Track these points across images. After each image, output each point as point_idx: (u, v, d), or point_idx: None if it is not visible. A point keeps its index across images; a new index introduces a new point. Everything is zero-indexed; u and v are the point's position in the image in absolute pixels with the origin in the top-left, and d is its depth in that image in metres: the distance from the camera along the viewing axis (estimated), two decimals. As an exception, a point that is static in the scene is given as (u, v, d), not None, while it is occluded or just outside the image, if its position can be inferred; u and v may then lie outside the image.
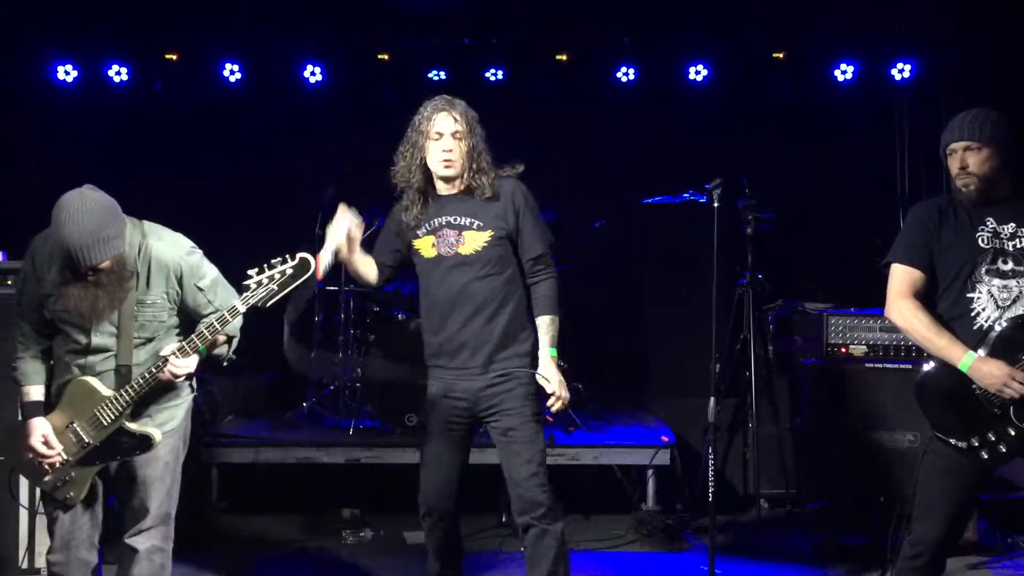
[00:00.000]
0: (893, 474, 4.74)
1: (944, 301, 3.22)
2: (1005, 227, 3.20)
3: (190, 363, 3.12)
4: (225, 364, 3.40)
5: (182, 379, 3.17)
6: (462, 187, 3.46)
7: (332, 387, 5.97)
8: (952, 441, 3.11)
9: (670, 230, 6.11)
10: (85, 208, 2.95)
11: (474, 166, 3.42)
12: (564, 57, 6.84)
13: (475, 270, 3.41)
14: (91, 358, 3.15)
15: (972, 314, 3.16)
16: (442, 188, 3.48)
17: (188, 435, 3.38)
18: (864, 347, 4.92)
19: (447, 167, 3.40)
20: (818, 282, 6.61)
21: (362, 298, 6.02)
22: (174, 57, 6.89)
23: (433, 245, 3.45)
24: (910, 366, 4.81)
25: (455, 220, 3.43)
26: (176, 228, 3.34)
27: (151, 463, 3.22)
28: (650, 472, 5.23)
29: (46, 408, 3.18)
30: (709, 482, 4.08)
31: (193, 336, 3.09)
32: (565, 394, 3.40)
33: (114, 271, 3.05)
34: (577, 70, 6.87)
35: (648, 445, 5.23)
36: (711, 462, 4.14)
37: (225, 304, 3.15)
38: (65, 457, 3.13)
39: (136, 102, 6.95)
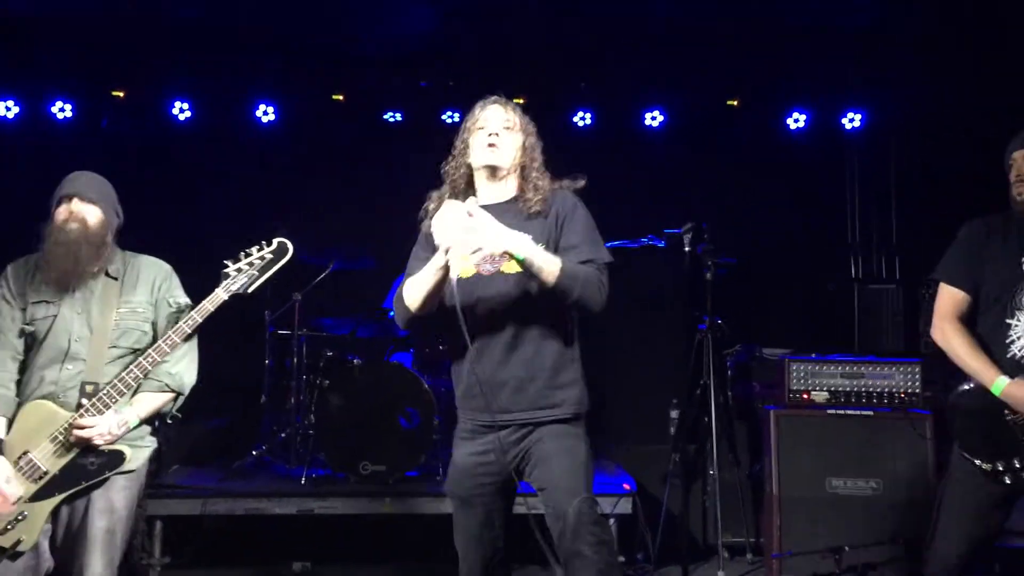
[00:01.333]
0: (856, 522, 4.69)
1: (983, 323, 3.25)
2: None
3: (101, 423, 2.94)
4: (169, 421, 3.27)
5: (101, 444, 2.96)
6: (509, 195, 3.04)
7: (283, 434, 5.79)
8: (977, 462, 3.14)
9: (628, 275, 6.07)
10: (91, 173, 3.20)
11: (525, 166, 3.03)
12: (522, 100, 6.73)
13: (519, 291, 2.95)
14: (64, 372, 2.99)
15: (1007, 341, 3.17)
16: (486, 193, 3.04)
17: (143, 489, 3.15)
18: (826, 393, 4.90)
19: (491, 151, 2.98)
20: (773, 327, 6.66)
21: (315, 342, 5.87)
22: (121, 94, 6.72)
23: (471, 264, 2.98)
24: (871, 412, 4.81)
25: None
26: None
27: (106, 514, 2.98)
28: (611, 521, 5.13)
29: None
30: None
31: (124, 375, 2.98)
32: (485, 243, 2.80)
33: (98, 235, 3.08)
34: (534, 113, 6.82)
35: (610, 493, 5.13)
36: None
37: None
38: (16, 494, 2.88)
39: (81, 140, 6.76)
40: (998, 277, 3.18)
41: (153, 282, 3.20)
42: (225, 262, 3.12)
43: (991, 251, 3.21)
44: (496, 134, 3.02)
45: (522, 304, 2.95)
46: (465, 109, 6.85)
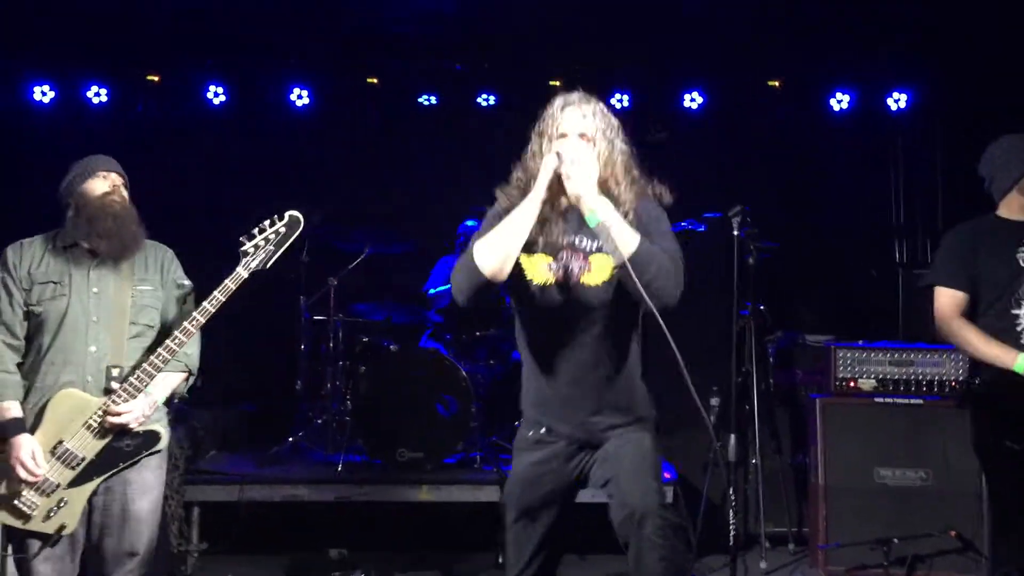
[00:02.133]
0: (904, 513, 4.58)
1: (987, 316, 3.42)
2: None
3: (136, 407, 2.96)
4: (177, 400, 3.29)
5: (136, 427, 2.99)
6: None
7: (319, 420, 5.75)
8: (1007, 443, 3.26)
9: (667, 260, 5.97)
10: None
11: (609, 177, 2.76)
12: (558, 83, 6.69)
13: (597, 305, 2.77)
14: (88, 356, 2.99)
15: (1018, 329, 3.36)
16: (567, 201, 2.78)
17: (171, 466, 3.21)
18: (873, 381, 4.78)
19: (565, 178, 2.69)
20: (816, 313, 6.53)
21: (351, 328, 5.83)
22: (156, 78, 6.70)
23: (550, 268, 2.80)
24: (921, 401, 4.69)
25: (581, 242, 2.80)
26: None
27: (145, 494, 3.04)
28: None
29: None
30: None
31: (154, 359, 2.98)
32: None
33: (134, 213, 3.11)
34: (566, 92, 6.73)
35: (650, 482, 5.03)
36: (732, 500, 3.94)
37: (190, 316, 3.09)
38: (55, 481, 2.92)
39: (116, 124, 6.74)
40: (996, 275, 3.39)
41: (162, 264, 3.22)
42: (241, 239, 3.10)
43: (984, 252, 3.41)
44: (560, 152, 2.72)
45: (601, 317, 2.80)
46: (500, 92, 6.93)
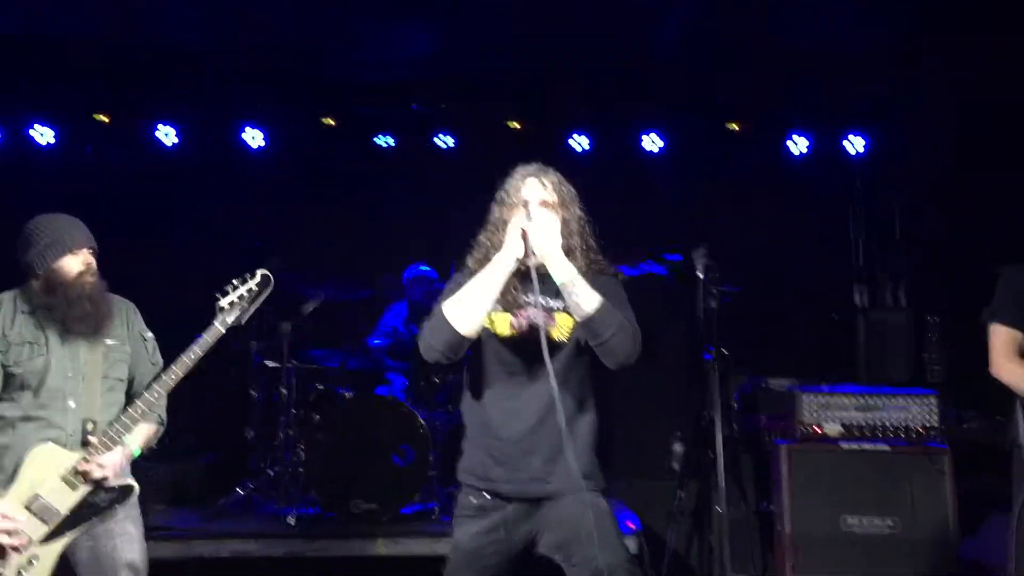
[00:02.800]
0: (872, 562, 4.49)
1: None
2: None
3: (113, 459, 3.01)
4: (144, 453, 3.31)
5: (112, 480, 3.01)
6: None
7: (271, 471, 5.55)
8: None
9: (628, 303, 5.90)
10: (68, 216, 3.21)
11: (567, 245, 2.82)
12: (517, 124, 6.68)
13: (560, 358, 2.83)
14: (68, 413, 3.04)
15: None
16: (531, 262, 2.82)
17: None
18: (839, 426, 4.71)
19: (523, 245, 2.76)
20: (778, 357, 6.47)
21: (304, 374, 5.66)
22: (105, 119, 6.55)
23: (512, 324, 2.87)
24: (887, 447, 4.62)
25: (545, 301, 2.84)
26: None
27: (134, 544, 3.07)
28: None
29: None
30: None
31: (131, 411, 3.04)
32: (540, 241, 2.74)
33: (96, 275, 3.16)
34: (530, 137, 6.72)
35: (614, 533, 4.90)
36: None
37: (161, 363, 3.24)
38: (27, 536, 2.91)
39: (63, 165, 6.58)
40: None
41: (126, 318, 3.28)
42: (216, 295, 3.18)
43: None
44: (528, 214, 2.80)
45: (563, 371, 2.81)
46: (458, 133, 6.86)
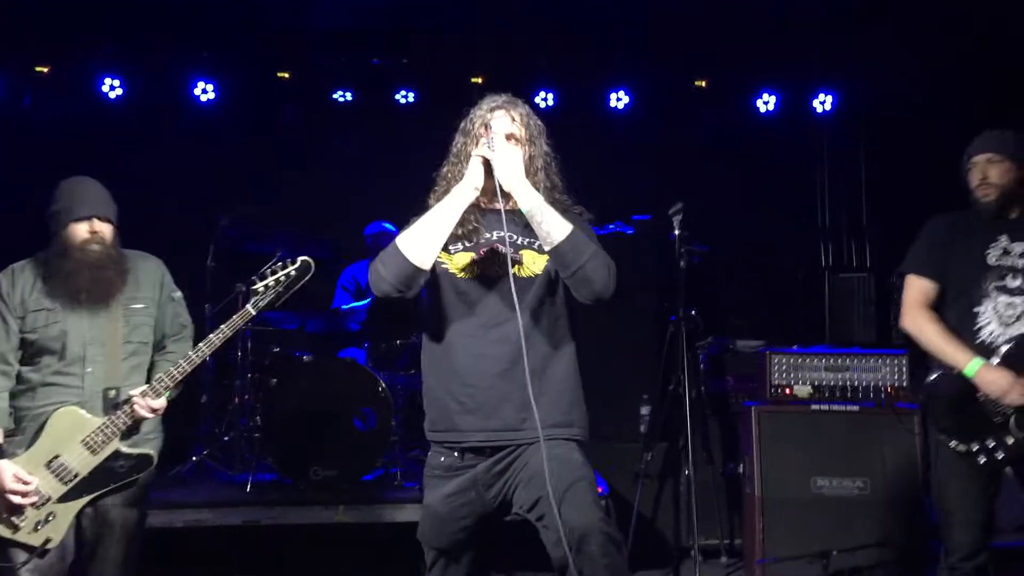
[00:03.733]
0: (843, 524, 4.45)
1: (952, 312, 3.38)
2: (1016, 245, 3.33)
3: (159, 404, 3.10)
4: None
5: (152, 417, 3.13)
6: (516, 206, 2.68)
7: (226, 437, 5.39)
8: (952, 444, 3.28)
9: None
10: (92, 180, 3.25)
11: (532, 181, 2.68)
12: (480, 80, 6.48)
13: (529, 297, 2.69)
14: (86, 379, 3.11)
15: (976, 328, 3.33)
16: (488, 203, 2.77)
17: None
18: (809, 387, 4.65)
19: (488, 174, 2.67)
20: (743, 318, 6.42)
21: (261, 337, 5.47)
22: (44, 70, 6.27)
23: (474, 262, 2.73)
24: (857, 408, 4.57)
25: (511, 237, 2.69)
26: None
27: (132, 506, 3.16)
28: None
29: (19, 447, 3.09)
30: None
31: (172, 369, 3.09)
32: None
33: (117, 252, 3.18)
34: (493, 93, 6.52)
35: (581, 497, 4.81)
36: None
37: (189, 323, 3.37)
38: (46, 495, 3.03)
39: (1, 119, 6.27)
40: (964, 269, 3.36)
41: (156, 280, 3.32)
42: (252, 278, 3.21)
43: (957, 245, 3.39)
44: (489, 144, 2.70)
45: (531, 310, 2.70)
46: (419, 88, 6.63)
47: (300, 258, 3.22)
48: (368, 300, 5.83)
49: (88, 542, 3.15)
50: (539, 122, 2.83)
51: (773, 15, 6.11)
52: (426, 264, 2.64)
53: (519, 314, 2.58)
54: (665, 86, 6.68)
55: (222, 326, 3.14)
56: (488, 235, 2.75)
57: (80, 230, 3.14)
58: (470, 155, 2.71)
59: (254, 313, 3.18)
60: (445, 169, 2.82)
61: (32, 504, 3.01)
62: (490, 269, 2.72)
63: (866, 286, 6.29)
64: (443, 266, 2.76)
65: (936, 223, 3.48)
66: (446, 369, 2.75)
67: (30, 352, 3.14)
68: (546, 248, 2.63)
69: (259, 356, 5.43)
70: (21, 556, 3.04)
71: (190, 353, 3.12)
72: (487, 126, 2.73)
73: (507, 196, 2.66)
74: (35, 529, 3.03)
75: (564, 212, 2.71)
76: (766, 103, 6.72)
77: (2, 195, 6.04)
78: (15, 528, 3.01)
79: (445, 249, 2.72)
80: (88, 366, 3.13)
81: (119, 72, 6.33)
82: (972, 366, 3.22)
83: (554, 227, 2.60)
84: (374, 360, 5.45)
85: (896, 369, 4.62)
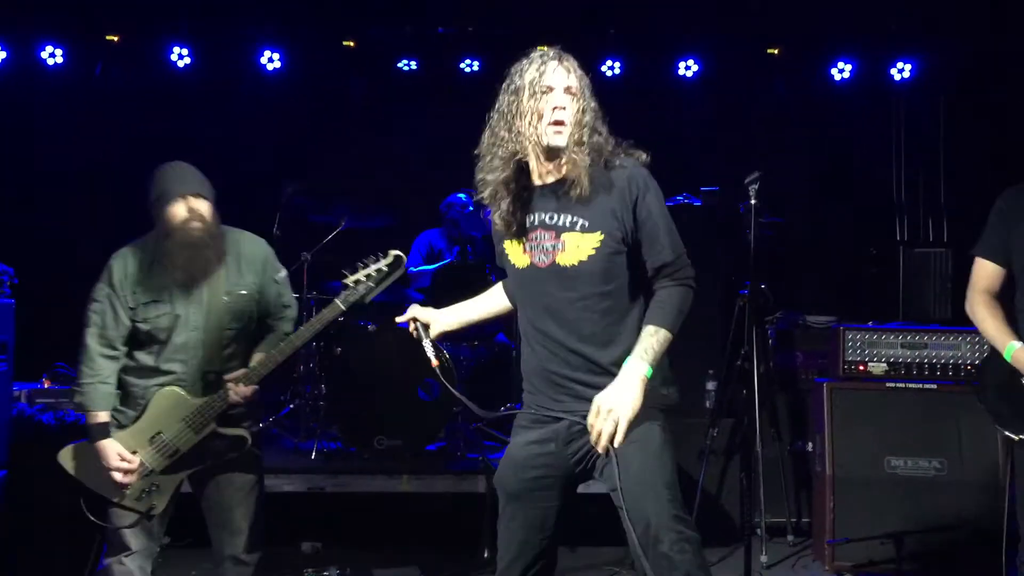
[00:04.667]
0: (917, 506, 4.33)
1: (1018, 294, 3.23)
2: None
3: (251, 390, 3.22)
4: None
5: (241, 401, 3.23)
6: (561, 175, 2.60)
7: (292, 405, 5.43)
8: (1007, 432, 3.16)
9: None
10: (185, 163, 3.30)
11: (583, 139, 2.55)
12: (545, 49, 6.36)
13: (578, 287, 2.59)
14: (190, 364, 3.22)
15: None
16: (538, 173, 2.64)
17: None
18: (884, 365, 4.51)
19: (557, 129, 2.53)
20: (812, 292, 6.27)
21: (326, 306, 5.48)
22: (115, 39, 6.36)
23: (525, 251, 2.66)
24: (935, 386, 4.43)
25: (552, 218, 2.62)
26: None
27: (250, 470, 3.33)
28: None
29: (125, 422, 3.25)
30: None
31: (264, 358, 3.21)
32: (609, 427, 2.47)
33: (216, 230, 3.23)
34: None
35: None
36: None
37: (292, 302, 3.44)
38: (149, 467, 3.22)
39: (72, 88, 6.41)
40: None
41: (260, 262, 3.35)
42: (343, 272, 3.24)
43: (1021, 221, 3.21)
44: (563, 107, 2.57)
45: (585, 300, 2.61)
46: (484, 57, 6.57)
47: (392, 252, 3.23)
48: (439, 264, 5.83)
49: (214, 506, 3.34)
50: (585, 76, 2.70)
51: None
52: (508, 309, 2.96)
53: (571, 298, 2.58)
54: (736, 54, 6.52)
55: (313, 320, 3.26)
56: (535, 217, 2.65)
57: (179, 210, 3.19)
58: (521, 113, 2.56)
59: (343, 308, 3.25)
60: (492, 132, 2.64)
61: (135, 477, 3.19)
62: (536, 258, 2.64)
63: (943, 262, 6.06)
64: (506, 253, 2.74)
65: (1004, 199, 3.30)
66: (524, 341, 2.74)
67: (139, 338, 3.25)
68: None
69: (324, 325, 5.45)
70: (124, 519, 3.23)
71: (281, 344, 3.23)
72: (548, 89, 2.59)
73: (553, 157, 2.58)
74: (139, 497, 3.23)
75: (621, 169, 2.60)
76: (841, 71, 6.50)
77: (74, 163, 6.15)
78: (122, 495, 3.21)
79: (508, 234, 2.69)
80: (191, 352, 3.24)
81: (187, 41, 6.37)
82: (1009, 349, 3.11)
83: (660, 346, 2.53)
84: (439, 330, 5.42)
85: (976, 347, 4.47)
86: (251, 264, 3.32)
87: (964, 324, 4.79)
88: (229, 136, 6.35)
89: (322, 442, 5.06)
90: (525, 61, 2.67)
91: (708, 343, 5.38)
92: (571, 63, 2.66)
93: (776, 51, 6.44)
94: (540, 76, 2.59)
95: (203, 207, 3.22)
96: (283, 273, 3.43)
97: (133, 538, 3.25)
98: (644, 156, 2.69)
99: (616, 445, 2.47)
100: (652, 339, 2.52)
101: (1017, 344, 3.11)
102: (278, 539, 4.76)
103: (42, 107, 6.37)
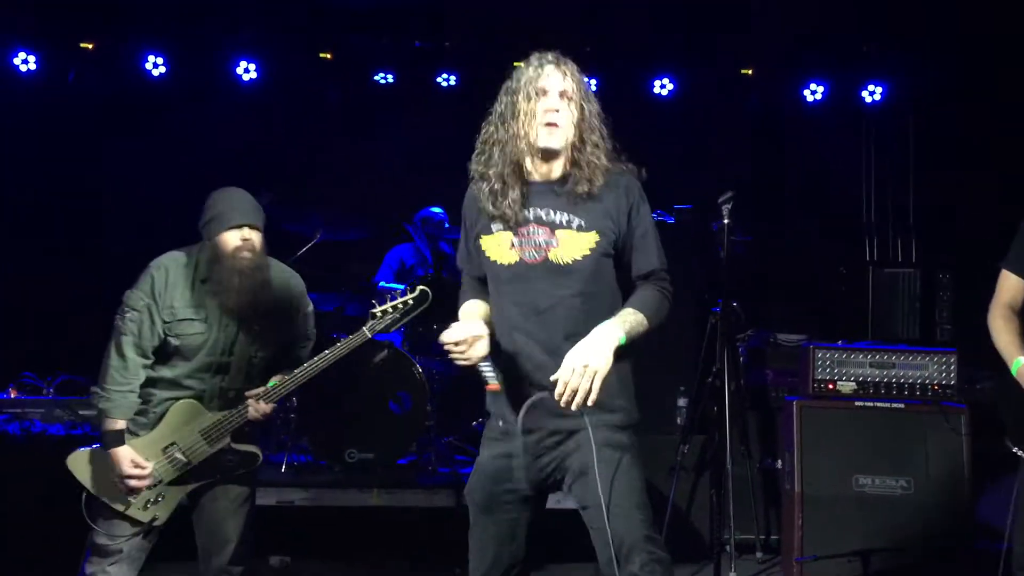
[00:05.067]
0: (885, 524, 4.37)
1: None
2: None
3: (269, 408, 3.29)
4: None
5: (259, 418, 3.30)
6: (560, 174, 2.64)
7: (262, 417, 5.38)
8: (1016, 450, 3.15)
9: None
10: (242, 190, 3.38)
11: (583, 142, 2.61)
12: (521, 64, 6.40)
13: (570, 284, 2.61)
14: (212, 382, 3.26)
15: None
16: (535, 171, 2.66)
17: None
18: (853, 384, 4.55)
19: (550, 131, 2.57)
20: (781, 310, 6.32)
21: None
22: (89, 46, 6.29)
23: (513, 246, 2.64)
24: (903, 405, 4.48)
25: (548, 215, 2.63)
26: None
27: (241, 485, 3.33)
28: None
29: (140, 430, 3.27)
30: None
31: (287, 379, 3.27)
32: (585, 384, 2.43)
33: (261, 254, 3.27)
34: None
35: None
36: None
37: (313, 335, 3.54)
38: (159, 477, 3.24)
39: (45, 95, 6.33)
40: None
41: (294, 297, 3.44)
42: (372, 302, 3.34)
43: None
44: (556, 110, 2.61)
45: (575, 297, 2.62)
46: (461, 71, 6.58)
47: (419, 287, 3.32)
48: (405, 284, 5.81)
49: (207, 517, 3.34)
50: (584, 78, 2.74)
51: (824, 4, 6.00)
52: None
53: (560, 303, 2.57)
54: (710, 74, 6.59)
55: (337, 346, 3.28)
56: (528, 212, 2.64)
57: (233, 238, 3.23)
58: (519, 114, 2.61)
59: (369, 335, 3.31)
60: (490, 130, 2.69)
61: (146, 486, 3.21)
62: (526, 254, 2.63)
63: (911, 282, 6.15)
64: (482, 248, 2.72)
65: None
66: (500, 343, 2.69)
67: (167, 351, 3.26)
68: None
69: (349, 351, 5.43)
70: (124, 529, 3.24)
71: (305, 365, 3.28)
72: (542, 92, 2.62)
73: (550, 158, 2.62)
74: (144, 507, 3.24)
75: (619, 175, 2.65)
76: (813, 92, 6.60)
77: (44, 172, 6.09)
78: (127, 504, 3.22)
79: (486, 229, 2.68)
80: (217, 374, 3.28)
81: (162, 50, 6.33)
82: (1016, 363, 3.12)
83: (642, 327, 2.55)
84: (411, 344, 5.42)
85: (944, 367, 4.51)
86: (286, 297, 3.40)
87: (932, 344, 4.89)
88: (204, 145, 6.32)
89: (292, 455, 5.04)
90: (522, 66, 2.72)
91: (680, 360, 5.41)
92: (568, 67, 2.69)
93: (750, 71, 6.51)
94: (535, 78, 2.64)
95: (256, 238, 3.28)
96: (311, 308, 3.54)
97: (125, 547, 3.25)
98: (643, 172, 2.75)
99: (590, 404, 2.44)
100: (630, 316, 2.54)
101: (1022, 359, 3.12)
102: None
103: (14, 113, 6.30)
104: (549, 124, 2.59)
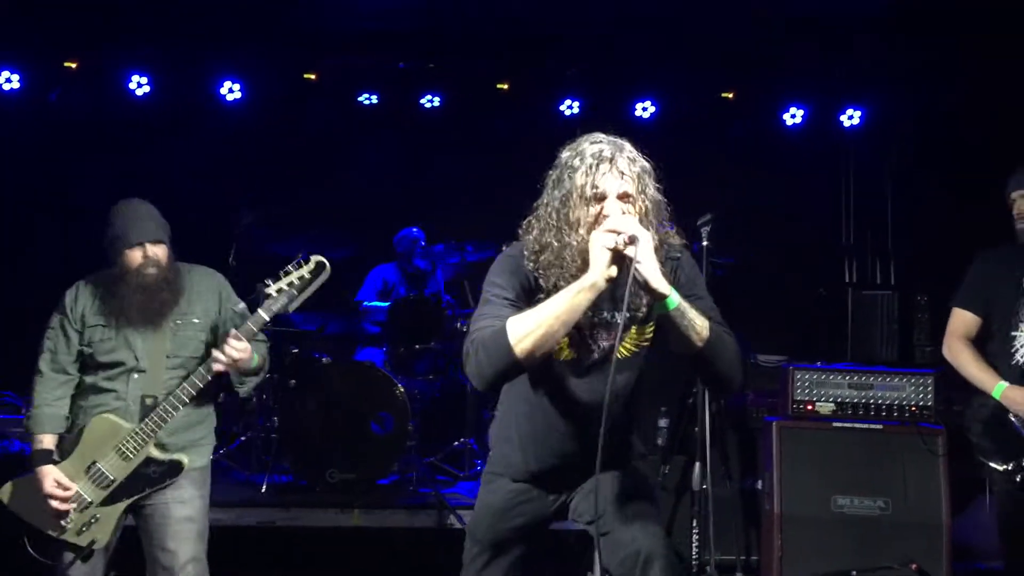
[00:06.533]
0: (863, 544, 4.38)
1: (994, 340, 3.62)
2: None
3: (244, 348, 3.12)
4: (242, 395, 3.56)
5: (233, 365, 3.15)
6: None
7: (243, 437, 5.37)
8: (991, 464, 3.52)
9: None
10: (143, 203, 3.30)
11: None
12: (506, 86, 6.47)
13: (626, 377, 2.58)
14: (130, 386, 3.20)
15: (1011, 351, 3.54)
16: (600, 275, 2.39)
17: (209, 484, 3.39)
18: (832, 405, 4.59)
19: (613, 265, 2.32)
20: (761, 332, 6.35)
21: (280, 338, 5.46)
22: (73, 65, 6.29)
23: (571, 342, 2.50)
24: (881, 426, 4.51)
25: (611, 316, 2.49)
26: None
27: (183, 504, 3.23)
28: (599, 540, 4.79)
29: (64, 453, 3.22)
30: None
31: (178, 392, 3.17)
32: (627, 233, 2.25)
33: (171, 272, 3.25)
34: (519, 100, 6.56)
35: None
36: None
37: (263, 337, 3.34)
38: (88, 499, 3.16)
39: (28, 113, 6.33)
40: (1003, 299, 3.59)
41: (213, 296, 3.35)
42: (265, 281, 3.15)
43: (1000, 277, 3.61)
44: (617, 232, 2.30)
45: (622, 387, 2.58)
46: (445, 93, 6.63)
47: (314, 258, 3.17)
48: (389, 303, 5.82)
49: (146, 543, 3.27)
50: (645, 163, 2.52)
51: (802, 24, 6.06)
52: (534, 362, 2.36)
53: (607, 398, 2.29)
54: (691, 97, 6.65)
55: (236, 332, 3.13)
56: (593, 314, 2.47)
57: (135, 256, 3.22)
58: (578, 222, 2.38)
59: (267, 319, 3.13)
60: (550, 237, 2.42)
61: (74, 508, 3.13)
62: (583, 353, 2.52)
63: (890, 304, 6.19)
64: None
65: (983, 256, 3.72)
66: (527, 417, 2.65)
67: (85, 362, 3.28)
68: (683, 350, 2.42)
69: (278, 356, 5.41)
70: (65, 557, 3.18)
71: (200, 369, 3.18)
72: (599, 197, 2.39)
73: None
74: (80, 531, 3.16)
75: (669, 258, 2.49)
76: (793, 116, 6.67)
77: (28, 189, 6.06)
78: (61, 529, 3.14)
79: None
80: (134, 375, 3.23)
81: (147, 69, 6.34)
82: (998, 388, 3.49)
83: (695, 328, 2.36)
84: (393, 364, 5.43)
85: (921, 389, 4.55)
86: (203, 296, 3.33)
87: (909, 366, 4.93)
88: (188, 165, 6.31)
89: (274, 475, 5.02)
90: (575, 151, 2.46)
91: (661, 381, 5.43)
92: (624, 161, 2.45)
93: (731, 95, 6.58)
94: (591, 180, 2.40)
95: (160, 252, 3.25)
96: (241, 305, 3.34)
97: (70, 573, 3.19)
98: (686, 243, 2.64)
99: (625, 249, 2.26)
100: (693, 306, 2.39)
101: (1004, 384, 3.49)
102: (226, 573, 4.69)
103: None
104: (614, 250, 2.31)
